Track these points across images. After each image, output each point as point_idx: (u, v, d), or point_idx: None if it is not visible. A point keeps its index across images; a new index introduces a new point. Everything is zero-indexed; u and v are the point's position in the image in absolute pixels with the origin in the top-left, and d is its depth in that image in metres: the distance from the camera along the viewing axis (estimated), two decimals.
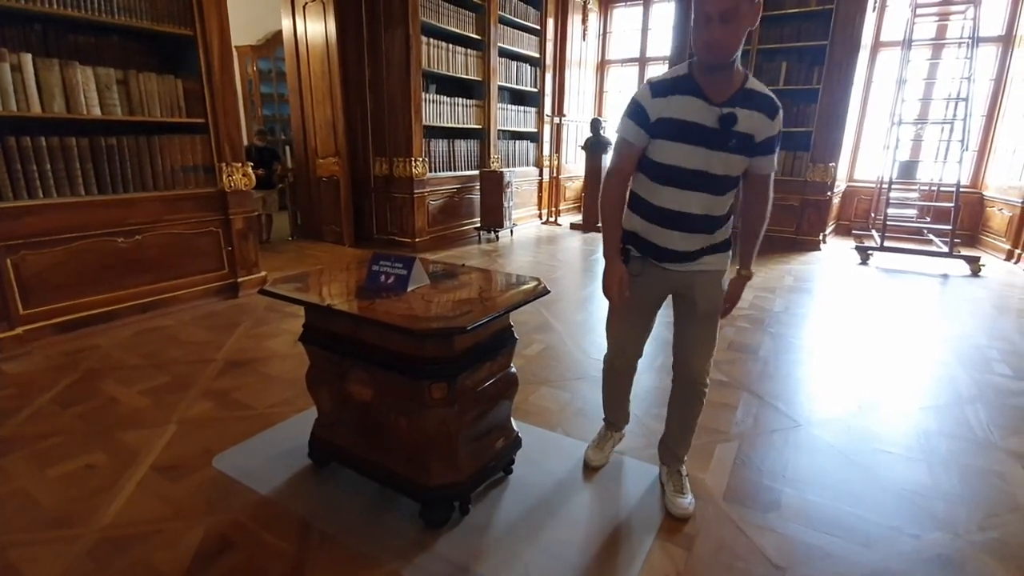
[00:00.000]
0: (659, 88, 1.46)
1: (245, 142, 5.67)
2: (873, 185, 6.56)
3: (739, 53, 1.37)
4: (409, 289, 1.72)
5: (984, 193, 6.14)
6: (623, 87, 8.45)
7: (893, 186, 5.70)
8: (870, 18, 5.85)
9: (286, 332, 3.14)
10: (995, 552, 1.61)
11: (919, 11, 5.83)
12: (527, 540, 1.62)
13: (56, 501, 1.75)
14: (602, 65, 8.46)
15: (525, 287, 1.79)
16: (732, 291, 1.68)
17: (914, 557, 1.59)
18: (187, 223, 3.56)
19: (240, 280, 3.87)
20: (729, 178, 1.51)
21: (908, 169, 6.00)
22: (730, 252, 1.67)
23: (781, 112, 1.46)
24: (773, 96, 1.44)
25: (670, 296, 1.73)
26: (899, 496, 1.86)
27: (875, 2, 5.99)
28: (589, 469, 1.96)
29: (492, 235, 6.26)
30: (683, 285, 1.65)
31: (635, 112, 1.49)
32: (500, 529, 1.66)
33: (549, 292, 1.81)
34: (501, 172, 5.95)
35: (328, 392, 1.83)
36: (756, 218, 1.61)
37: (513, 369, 1.85)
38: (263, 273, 4.05)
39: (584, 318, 3.62)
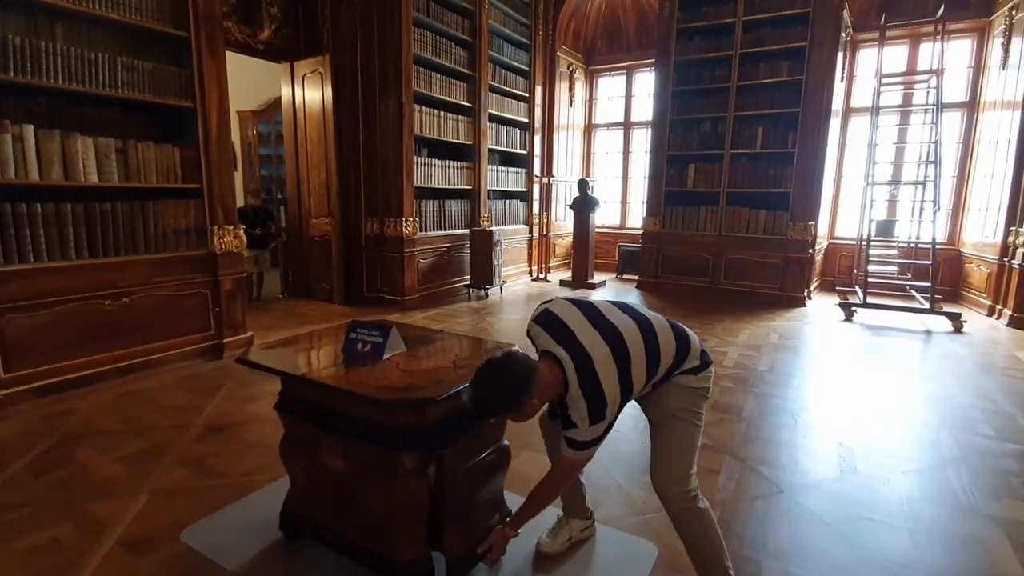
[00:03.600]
0: None
1: (240, 203, 5.83)
2: (854, 242, 6.74)
3: (555, 394, 1.43)
4: (385, 356, 1.75)
5: (961, 250, 6.31)
6: (609, 149, 8.80)
7: (873, 244, 5.86)
8: (839, 87, 6.20)
9: (269, 394, 3.11)
10: None
11: (885, 81, 6.18)
12: None
13: None
14: (589, 128, 8.83)
15: (500, 351, 1.81)
16: (492, 542, 1.66)
17: None
18: (176, 285, 3.60)
19: (226, 341, 3.87)
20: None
21: (886, 228, 6.19)
22: (700, 375, 1.55)
23: (583, 425, 1.40)
24: (572, 416, 1.41)
25: None
26: (882, 568, 1.82)
27: (843, 72, 6.35)
28: (541, 557, 1.82)
29: (482, 292, 6.33)
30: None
31: None
32: None
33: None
34: (491, 231, 6.09)
35: (302, 463, 1.81)
36: (539, 489, 1.60)
37: (505, 441, 1.82)
38: (249, 333, 4.06)
39: None
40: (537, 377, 1.36)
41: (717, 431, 2.81)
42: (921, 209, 5.77)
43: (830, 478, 2.39)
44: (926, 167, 5.71)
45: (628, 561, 1.82)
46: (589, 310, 1.51)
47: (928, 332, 5.00)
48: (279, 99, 6.04)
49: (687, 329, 1.59)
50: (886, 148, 6.44)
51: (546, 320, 1.50)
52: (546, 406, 1.63)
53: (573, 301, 1.55)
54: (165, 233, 3.55)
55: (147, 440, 2.64)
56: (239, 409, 3.01)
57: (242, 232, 3.95)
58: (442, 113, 5.84)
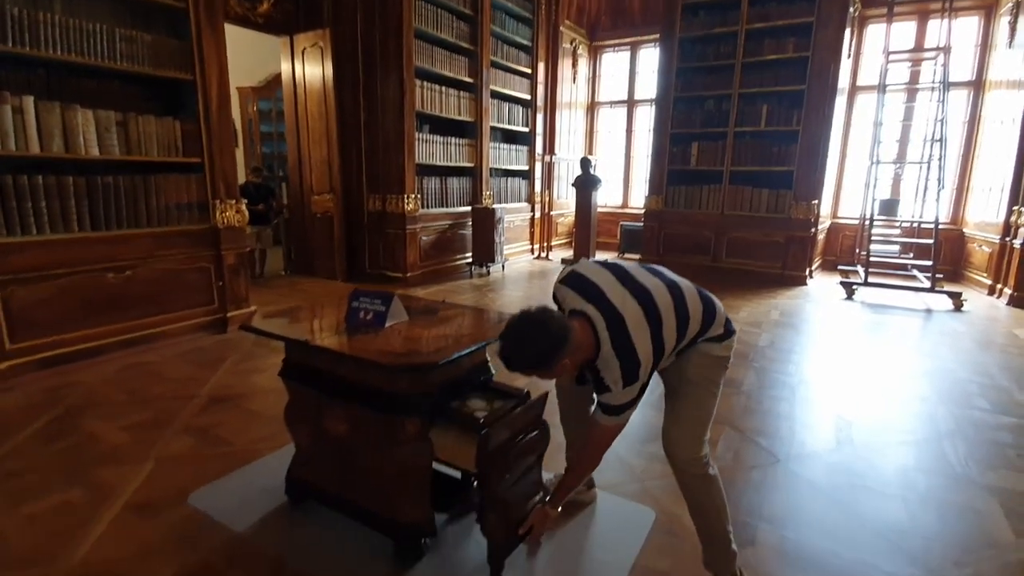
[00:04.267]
0: None
1: (242, 180, 5.80)
2: (857, 222, 6.71)
3: (586, 356, 1.38)
4: (387, 325, 1.76)
5: (964, 230, 6.29)
6: (612, 127, 8.71)
7: (876, 223, 5.83)
8: (846, 64, 6.11)
9: (272, 367, 3.14)
10: None
11: (892, 57, 6.09)
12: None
13: (27, 539, 1.74)
14: (592, 106, 8.73)
15: (502, 323, 1.83)
16: (532, 521, 1.62)
17: None
18: (178, 259, 3.61)
19: (229, 315, 3.89)
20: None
21: (889, 207, 6.15)
22: (723, 344, 1.55)
23: (616, 388, 1.37)
24: (605, 379, 1.38)
25: None
26: (875, 533, 1.86)
27: (850, 49, 6.26)
28: None
29: (484, 270, 6.33)
30: None
31: None
32: (470, 568, 1.65)
33: None
34: (493, 208, 6.07)
35: (305, 428, 1.84)
36: (576, 462, 1.59)
37: (545, 420, 1.71)
38: (253, 308, 4.07)
39: None
40: (572, 336, 1.31)
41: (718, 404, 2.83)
42: (925, 188, 5.73)
43: (826, 449, 2.43)
44: (931, 145, 5.65)
45: (626, 525, 1.86)
46: (618, 271, 1.46)
47: (928, 311, 5.01)
48: (279, 75, 5.97)
49: (713, 296, 1.56)
50: (892, 126, 6.37)
51: (574, 281, 1.45)
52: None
53: (600, 263, 1.51)
54: (167, 207, 3.55)
55: (152, 410, 2.67)
56: (243, 381, 3.04)
57: (244, 207, 3.94)
58: (444, 89, 5.78)
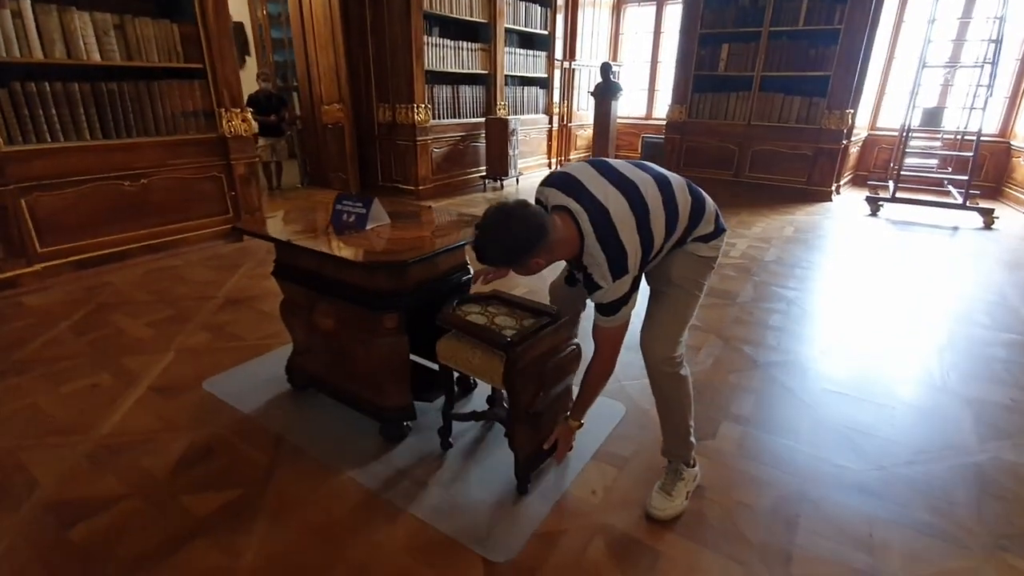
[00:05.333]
0: None
1: (255, 88, 5.74)
2: (896, 134, 6.29)
3: (571, 252, 1.36)
4: (368, 227, 1.83)
5: (1011, 143, 5.85)
6: (639, 28, 8.12)
7: (916, 135, 5.47)
8: None
9: None
10: (914, 484, 1.70)
11: None
12: (476, 460, 1.78)
13: (64, 413, 1.98)
14: (618, 4, 8.11)
15: None
16: (557, 437, 1.66)
17: (833, 484, 1.69)
18: (190, 168, 3.70)
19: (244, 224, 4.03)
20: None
21: (932, 116, 5.72)
22: (710, 244, 1.50)
23: (606, 283, 1.34)
24: (593, 275, 1.35)
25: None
26: (836, 432, 1.95)
27: None
28: None
29: (498, 184, 6.28)
30: None
31: None
32: (455, 450, 1.82)
33: None
34: (506, 119, 5.90)
35: (299, 323, 1.98)
36: (589, 371, 1.55)
37: (576, 340, 1.71)
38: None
39: None
40: (548, 236, 1.27)
41: (708, 314, 2.88)
42: (975, 95, 5.28)
43: (809, 357, 2.48)
44: (987, 47, 5.13)
45: (597, 417, 1.97)
46: (602, 166, 1.41)
47: (956, 228, 4.81)
48: None
49: (703, 192, 1.51)
50: (948, 25, 5.76)
51: (556, 179, 1.40)
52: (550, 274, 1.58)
53: (587, 160, 1.47)
54: (174, 115, 3.59)
55: (174, 308, 2.88)
56: (256, 285, 3.22)
57: (250, 116, 3.94)
58: None
